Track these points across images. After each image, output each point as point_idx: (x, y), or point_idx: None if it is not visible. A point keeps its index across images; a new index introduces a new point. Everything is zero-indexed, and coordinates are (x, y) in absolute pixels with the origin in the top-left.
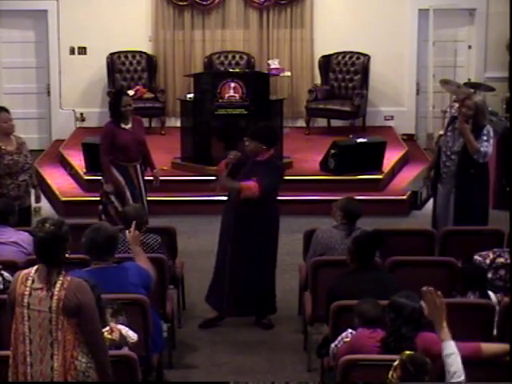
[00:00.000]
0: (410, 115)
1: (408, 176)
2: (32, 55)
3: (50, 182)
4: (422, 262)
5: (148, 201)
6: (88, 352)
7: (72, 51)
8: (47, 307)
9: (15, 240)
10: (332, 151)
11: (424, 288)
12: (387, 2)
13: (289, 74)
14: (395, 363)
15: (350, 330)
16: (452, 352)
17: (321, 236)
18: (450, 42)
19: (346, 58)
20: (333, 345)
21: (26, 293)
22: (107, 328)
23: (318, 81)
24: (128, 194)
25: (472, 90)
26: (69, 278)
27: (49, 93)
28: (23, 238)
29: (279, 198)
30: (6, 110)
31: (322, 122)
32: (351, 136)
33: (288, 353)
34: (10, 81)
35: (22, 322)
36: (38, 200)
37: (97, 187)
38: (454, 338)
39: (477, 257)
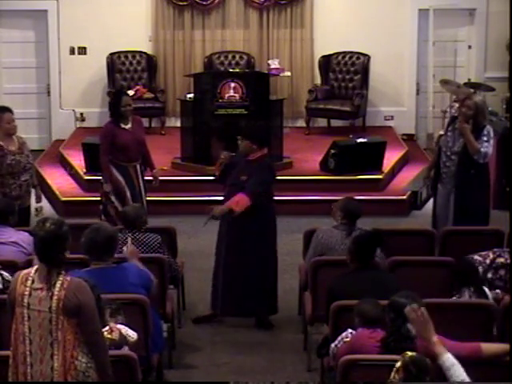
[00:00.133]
0: (410, 115)
1: (408, 176)
2: (32, 55)
3: (49, 181)
4: (422, 262)
5: (147, 201)
6: (88, 352)
7: (72, 51)
8: (47, 307)
9: (15, 240)
10: (332, 151)
11: (407, 308)
12: (387, 2)
13: (289, 74)
14: (397, 365)
15: (350, 330)
16: (452, 364)
17: (321, 236)
18: (450, 41)
19: (346, 58)
20: (333, 345)
21: (26, 293)
22: (107, 328)
23: (318, 81)
24: (128, 194)
25: (472, 90)
26: (69, 278)
27: (49, 93)
28: (23, 238)
29: (279, 198)
30: (10, 111)
31: (322, 122)
32: (351, 136)
33: (288, 353)
34: (10, 81)
35: (22, 322)
36: (38, 200)
37: (97, 187)
38: (454, 338)
39: (477, 257)
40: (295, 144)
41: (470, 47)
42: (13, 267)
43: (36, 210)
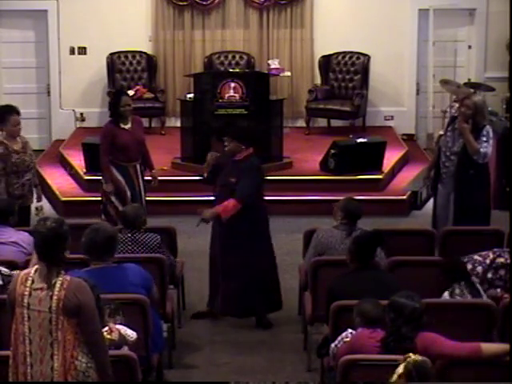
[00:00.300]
0: (410, 115)
1: (408, 176)
2: (32, 55)
3: (50, 181)
4: (422, 262)
5: (147, 201)
6: (88, 352)
7: (72, 51)
8: (47, 307)
9: (15, 240)
10: (332, 151)
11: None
12: (387, 2)
13: (289, 73)
14: (399, 370)
15: (350, 330)
16: None
17: (321, 236)
18: (450, 41)
19: (346, 58)
20: (333, 345)
21: (26, 293)
22: (106, 328)
23: (318, 81)
24: (128, 194)
25: (472, 90)
26: (68, 278)
27: (49, 93)
28: (23, 237)
29: (279, 198)
30: (18, 112)
31: (322, 122)
32: (351, 136)
33: (288, 353)
34: (10, 81)
35: (21, 322)
36: (39, 199)
37: (97, 187)
38: (454, 338)
39: (477, 257)
40: (295, 144)
41: (469, 47)
42: (13, 267)
43: (36, 209)
